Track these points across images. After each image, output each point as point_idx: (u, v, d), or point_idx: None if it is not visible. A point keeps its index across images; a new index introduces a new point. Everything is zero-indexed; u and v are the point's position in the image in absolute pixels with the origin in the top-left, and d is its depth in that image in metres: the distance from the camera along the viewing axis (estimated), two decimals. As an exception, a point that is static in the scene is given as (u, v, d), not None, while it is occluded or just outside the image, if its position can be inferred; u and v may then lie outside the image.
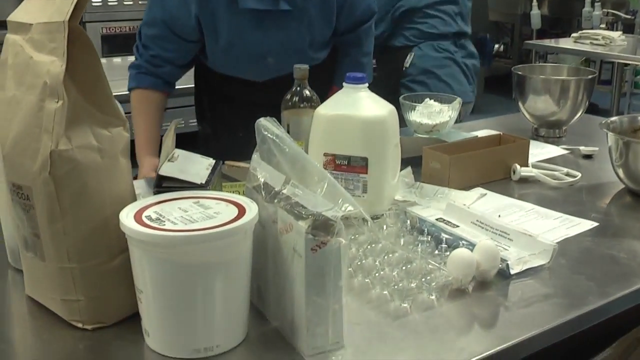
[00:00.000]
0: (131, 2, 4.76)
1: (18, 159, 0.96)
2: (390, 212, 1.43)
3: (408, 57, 2.74)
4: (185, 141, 1.51)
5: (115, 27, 4.72)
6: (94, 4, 4.61)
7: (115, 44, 4.76)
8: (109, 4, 4.67)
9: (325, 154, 1.43)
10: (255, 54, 2.01)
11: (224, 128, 2.20)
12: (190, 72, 2.18)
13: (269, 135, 1.05)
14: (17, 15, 1.01)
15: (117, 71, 3.79)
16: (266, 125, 1.06)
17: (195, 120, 2.33)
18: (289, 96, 1.65)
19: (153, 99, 2.03)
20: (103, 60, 4.24)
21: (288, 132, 1.66)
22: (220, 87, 2.16)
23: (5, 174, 1.00)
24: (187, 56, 2.05)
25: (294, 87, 1.65)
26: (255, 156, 1.07)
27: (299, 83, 1.65)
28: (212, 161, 1.19)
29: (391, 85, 2.68)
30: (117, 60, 4.27)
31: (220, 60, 2.06)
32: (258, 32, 1.97)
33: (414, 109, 1.89)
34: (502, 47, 7.57)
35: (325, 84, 2.03)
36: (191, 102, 2.30)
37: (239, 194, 1.20)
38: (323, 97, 1.62)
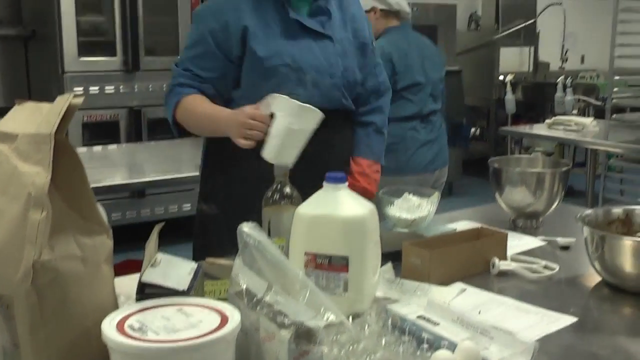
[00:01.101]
0: (112, 91, 4.82)
1: (1, 269, 0.96)
2: (372, 310, 1.43)
3: None
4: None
5: (96, 115, 4.77)
6: (75, 91, 4.66)
7: (96, 132, 4.80)
8: (91, 92, 4.72)
9: (306, 253, 1.44)
10: (294, 68, 2.04)
11: (236, 208, 2.08)
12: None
13: (251, 241, 1.06)
14: (3, 125, 1.03)
15: (97, 160, 3.83)
16: (248, 231, 1.07)
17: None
18: (269, 193, 1.67)
19: (203, 97, 2.04)
20: (83, 149, 4.28)
21: (269, 229, 1.69)
22: (234, 164, 2.14)
23: (-13, 283, 1.00)
24: (226, 79, 2.07)
25: (275, 185, 1.67)
26: (238, 261, 1.08)
27: (279, 180, 1.67)
28: (194, 265, 1.19)
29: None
30: (97, 148, 4.30)
31: (255, 77, 2.05)
32: (300, 45, 2.05)
33: (393, 204, 1.92)
34: (478, 131, 7.71)
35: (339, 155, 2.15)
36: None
37: (221, 292, 1.20)
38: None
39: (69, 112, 0.96)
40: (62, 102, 0.97)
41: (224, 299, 1.18)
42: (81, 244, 0.97)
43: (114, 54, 4.83)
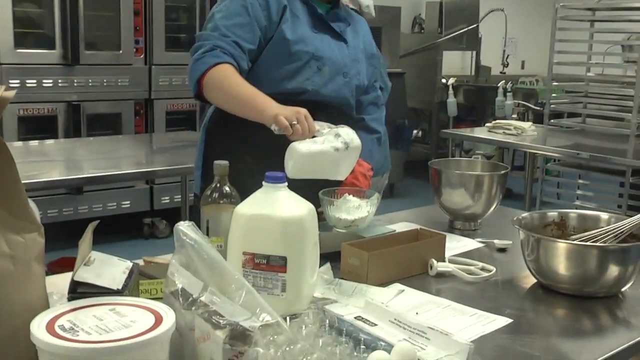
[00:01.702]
0: (50, 84, 4.71)
1: None
2: (310, 310, 1.43)
3: None
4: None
5: (33, 109, 4.66)
6: (11, 84, 4.54)
7: (33, 127, 4.69)
8: (27, 85, 4.61)
9: (245, 253, 1.43)
10: (316, 57, 2.10)
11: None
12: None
13: (188, 240, 1.05)
14: None
15: (33, 155, 3.74)
16: (185, 230, 1.06)
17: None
18: (208, 192, 1.65)
19: (238, 72, 1.99)
20: (19, 144, 4.18)
21: (207, 228, 1.67)
22: (238, 129, 2.13)
23: None
24: (254, 54, 2.07)
25: (214, 184, 1.65)
26: (174, 261, 1.06)
27: (219, 179, 1.65)
28: (129, 264, 1.17)
29: None
30: (33, 143, 4.20)
31: (278, 59, 2.09)
32: (322, 39, 2.13)
33: (332, 204, 1.92)
34: (420, 133, 7.79)
35: None
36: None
37: (157, 292, 1.18)
38: None
39: (0, 105, 0.92)
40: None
41: (160, 299, 1.16)
42: (11, 242, 0.94)
43: (52, 47, 4.72)
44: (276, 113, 1.82)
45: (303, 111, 1.83)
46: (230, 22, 2.04)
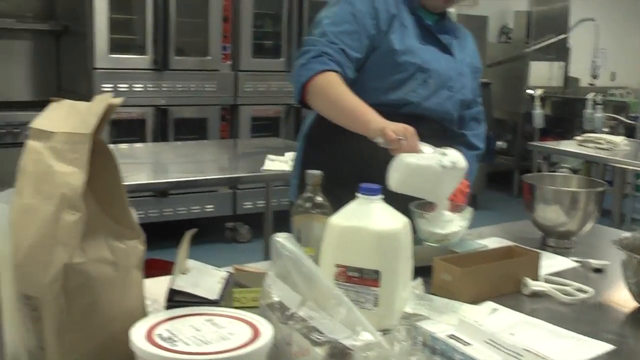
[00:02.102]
0: (141, 89, 4.82)
1: (29, 269, 0.94)
2: (402, 326, 1.39)
3: None
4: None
5: (124, 113, 4.77)
6: (103, 89, 4.66)
7: (123, 130, 4.80)
8: (119, 89, 4.73)
9: (337, 265, 1.41)
10: (422, 69, 2.08)
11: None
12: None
13: (285, 252, 1.03)
14: (39, 123, 1.01)
15: (123, 158, 3.81)
16: (282, 242, 1.04)
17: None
18: (301, 201, 1.64)
19: (343, 81, 1.97)
20: (110, 147, 4.26)
21: (299, 238, 1.66)
22: (337, 139, 2.11)
23: (15, 283, 0.98)
24: (359, 63, 2.06)
25: (307, 193, 1.64)
26: (271, 273, 1.05)
27: (311, 189, 1.64)
28: (224, 274, 1.16)
29: None
30: (123, 146, 4.30)
31: (383, 69, 2.07)
32: (428, 50, 2.11)
33: (424, 217, 1.88)
34: (504, 144, 7.64)
35: None
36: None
37: (248, 300, 1.17)
38: None
39: (107, 112, 0.93)
40: (100, 102, 0.94)
41: (251, 307, 1.15)
42: (113, 248, 0.95)
43: (144, 52, 4.83)
44: (384, 126, 1.80)
45: (411, 129, 1.80)
46: (338, 29, 2.02)
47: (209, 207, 5.19)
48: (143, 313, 1.00)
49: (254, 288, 1.39)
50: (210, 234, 5.23)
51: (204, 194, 5.08)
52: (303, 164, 2.20)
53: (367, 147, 1.90)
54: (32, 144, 1.00)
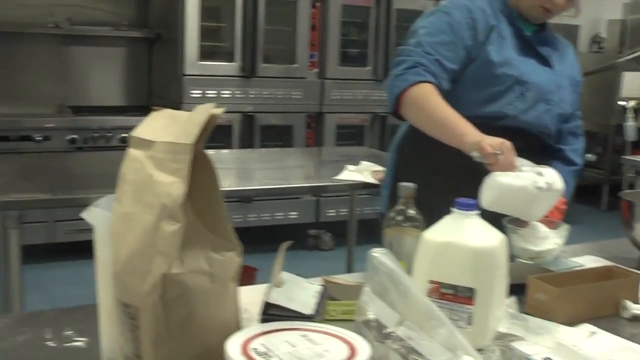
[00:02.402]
0: (228, 95, 4.88)
1: (128, 278, 0.95)
2: (496, 347, 1.35)
3: None
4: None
5: (211, 119, 4.84)
6: (192, 95, 4.75)
7: (211, 136, 4.84)
8: (207, 96, 4.80)
9: (431, 282, 1.37)
10: (520, 82, 2.03)
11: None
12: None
13: (383, 268, 1.01)
14: (140, 131, 1.02)
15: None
16: (380, 258, 1.02)
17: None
18: (392, 214, 1.61)
19: (438, 93, 1.94)
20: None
21: (389, 251, 1.63)
22: (431, 151, 2.07)
23: (114, 291, 0.99)
24: (455, 74, 2.03)
25: (399, 206, 1.61)
26: (367, 289, 1.02)
27: (404, 201, 1.61)
28: (319, 288, 1.15)
29: None
30: (210, 152, 4.34)
31: (480, 81, 2.04)
32: (527, 63, 2.06)
33: (518, 233, 1.82)
34: (594, 157, 7.40)
35: None
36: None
37: (337, 313, 1.15)
38: None
39: (209, 122, 0.93)
40: (202, 112, 0.94)
41: (341, 321, 1.13)
42: (210, 259, 0.94)
43: (232, 59, 4.89)
44: (480, 140, 1.75)
45: (508, 144, 1.75)
46: (434, 40, 1.99)
47: (293, 214, 5.21)
48: (238, 326, 0.99)
49: (345, 301, 1.37)
50: (293, 241, 5.24)
51: (287, 200, 5.11)
52: (394, 175, 2.17)
53: (460, 161, 1.86)
54: (132, 153, 1.01)
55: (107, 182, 2.93)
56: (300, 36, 5.10)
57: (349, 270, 4.04)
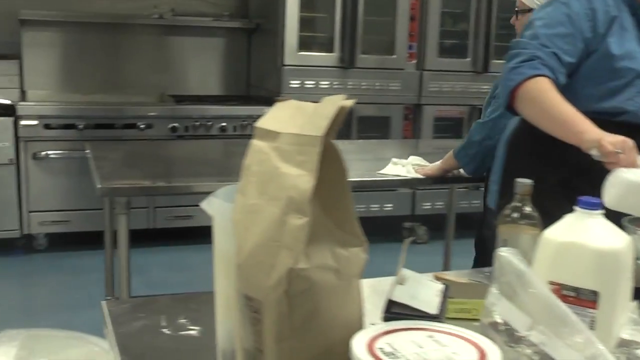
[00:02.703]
0: (327, 86, 4.87)
1: (252, 271, 0.94)
2: (621, 354, 1.28)
3: None
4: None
5: (309, 109, 4.85)
6: (291, 85, 4.76)
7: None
8: (306, 86, 4.81)
9: (551, 283, 1.32)
10: (639, 75, 1.95)
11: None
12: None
13: (511, 269, 0.96)
14: (264, 122, 1.00)
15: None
16: (508, 258, 0.98)
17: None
18: (508, 211, 1.56)
19: (555, 87, 1.89)
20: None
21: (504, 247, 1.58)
22: (543, 147, 2.00)
23: (237, 284, 0.98)
24: (572, 68, 1.97)
25: (515, 203, 1.56)
26: (494, 290, 0.98)
27: (520, 199, 1.56)
28: (441, 286, 1.11)
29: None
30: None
31: (598, 75, 1.98)
32: None
33: (638, 234, 1.73)
34: None
35: None
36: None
37: (450, 312, 1.12)
38: None
39: (339, 115, 0.91)
40: (331, 104, 0.92)
41: (454, 319, 1.10)
42: (336, 255, 0.92)
43: (331, 50, 4.88)
44: (600, 138, 1.68)
45: (630, 142, 1.67)
46: (551, 32, 1.92)
47: (388, 206, 5.17)
48: (361, 324, 0.97)
49: (460, 299, 1.33)
50: (387, 234, 5.21)
51: (383, 192, 5.07)
52: (505, 170, 2.11)
53: (575, 157, 1.79)
54: (257, 144, 1.00)
55: (209, 171, 2.97)
56: (400, 27, 5.05)
57: (446, 265, 3.98)
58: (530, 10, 2.65)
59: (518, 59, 1.90)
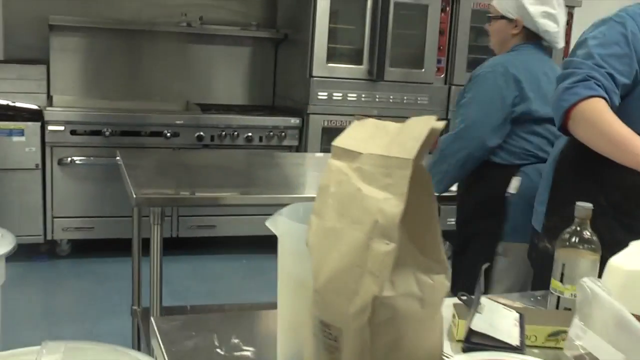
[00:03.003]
0: (354, 98, 4.84)
1: (331, 297, 0.90)
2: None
3: (514, 182, 2.53)
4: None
5: (336, 121, 4.81)
6: (319, 97, 4.73)
7: (334, 137, 4.83)
8: (334, 98, 4.78)
9: (622, 313, 1.28)
10: None
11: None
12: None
13: (596, 299, 0.92)
14: (343, 141, 0.97)
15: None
16: (594, 289, 0.94)
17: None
18: (567, 235, 1.52)
19: (610, 108, 1.85)
20: (320, 155, 4.33)
21: (562, 272, 1.54)
22: (594, 168, 1.95)
23: (313, 309, 0.94)
24: (626, 89, 1.93)
25: (574, 226, 1.52)
26: (576, 321, 0.94)
27: (579, 222, 1.51)
28: (516, 315, 1.07)
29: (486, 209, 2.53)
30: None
31: None
32: None
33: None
34: None
35: None
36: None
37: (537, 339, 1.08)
38: None
39: (430, 137, 0.87)
40: (421, 125, 0.88)
41: (534, 347, 1.05)
42: (420, 282, 0.88)
43: (360, 62, 4.85)
44: None
45: None
46: (606, 52, 1.87)
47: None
48: (441, 353, 0.93)
49: (534, 326, 1.29)
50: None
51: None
52: (552, 191, 2.07)
53: (630, 180, 1.75)
54: (335, 163, 0.96)
55: (243, 181, 2.93)
56: (429, 41, 5.01)
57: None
58: (502, 17, 2.61)
59: (572, 78, 1.86)
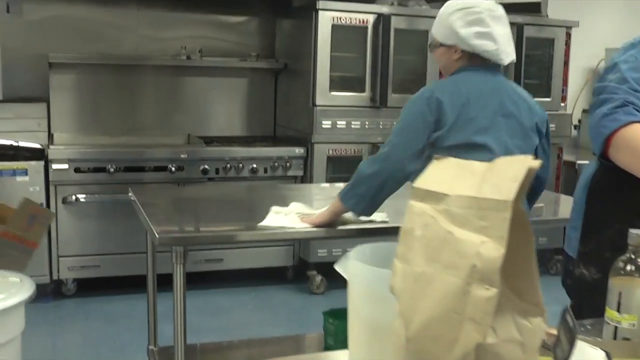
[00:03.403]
0: (358, 126, 4.82)
1: (427, 345, 0.87)
2: None
3: None
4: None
5: (341, 149, 4.80)
6: (323, 125, 4.71)
7: (339, 167, 4.82)
8: (337, 126, 4.76)
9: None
10: None
11: None
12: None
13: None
14: (425, 183, 0.94)
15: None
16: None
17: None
18: (621, 264, 1.49)
19: None
20: (326, 185, 4.29)
21: (619, 302, 1.52)
22: (628, 192, 1.94)
23: (406, 357, 0.91)
24: None
25: (628, 254, 1.49)
26: None
27: (633, 249, 1.49)
28: (602, 352, 1.04)
29: None
30: (339, 185, 4.28)
31: None
32: None
33: None
34: None
35: None
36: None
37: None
38: None
39: (527, 177, 0.85)
40: (517, 166, 0.86)
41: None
42: (520, 326, 0.86)
43: (362, 90, 4.84)
44: None
45: None
46: (636, 75, 1.86)
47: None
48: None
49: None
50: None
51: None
52: (586, 216, 2.05)
53: None
54: (418, 206, 0.93)
55: (253, 216, 2.89)
56: (431, 66, 5.01)
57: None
58: (441, 44, 2.55)
59: (610, 104, 1.84)
